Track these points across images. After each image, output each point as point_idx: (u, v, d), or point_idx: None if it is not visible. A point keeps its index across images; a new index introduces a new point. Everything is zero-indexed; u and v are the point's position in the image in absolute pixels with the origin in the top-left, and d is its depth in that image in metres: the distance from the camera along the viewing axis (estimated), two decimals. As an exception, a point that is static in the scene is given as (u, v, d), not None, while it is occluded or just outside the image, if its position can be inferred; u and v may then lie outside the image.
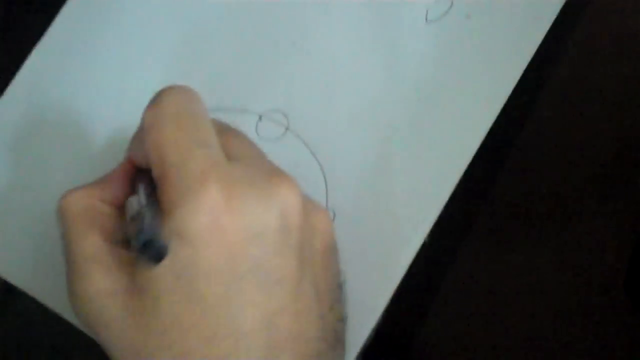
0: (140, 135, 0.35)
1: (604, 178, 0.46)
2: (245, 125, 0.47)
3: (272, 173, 0.34)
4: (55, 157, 0.48)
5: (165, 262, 0.29)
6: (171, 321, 0.30)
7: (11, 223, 0.47)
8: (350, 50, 0.47)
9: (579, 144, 0.47)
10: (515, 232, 0.47)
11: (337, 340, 0.35)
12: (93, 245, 0.34)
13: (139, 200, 0.34)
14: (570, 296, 0.45)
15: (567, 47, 0.49)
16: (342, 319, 0.36)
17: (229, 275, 0.30)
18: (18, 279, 0.46)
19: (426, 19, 0.46)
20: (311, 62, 0.47)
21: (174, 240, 0.30)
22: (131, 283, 0.32)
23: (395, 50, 0.46)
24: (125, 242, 0.35)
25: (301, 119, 0.47)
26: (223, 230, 0.30)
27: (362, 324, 0.43)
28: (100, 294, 0.33)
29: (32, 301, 0.45)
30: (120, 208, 0.37)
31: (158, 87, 0.46)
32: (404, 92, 0.46)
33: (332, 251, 0.37)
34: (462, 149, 0.45)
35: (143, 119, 0.35)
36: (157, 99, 0.34)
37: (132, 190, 0.36)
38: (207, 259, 0.30)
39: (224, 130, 0.36)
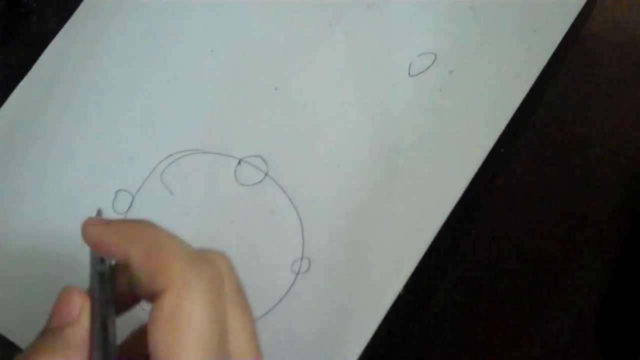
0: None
1: (573, 232, 0.46)
2: (225, 169, 0.46)
3: None
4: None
5: None
6: None
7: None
8: (333, 100, 0.47)
9: (551, 195, 0.47)
10: (485, 282, 0.46)
11: None
12: None
13: None
14: (542, 345, 0.44)
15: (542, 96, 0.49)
16: None
17: None
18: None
19: (409, 73, 0.47)
20: (293, 108, 0.47)
21: None
22: None
23: (377, 102, 0.47)
24: None
25: (280, 165, 0.46)
26: None
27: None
28: None
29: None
30: None
31: (140, 131, 0.47)
32: (384, 143, 0.46)
33: None
34: (440, 202, 0.44)
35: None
36: None
37: None
38: None
39: None
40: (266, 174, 0.46)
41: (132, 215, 0.47)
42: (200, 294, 0.31)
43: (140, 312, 0.34)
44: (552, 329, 0.44)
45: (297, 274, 0.44)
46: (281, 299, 0.44)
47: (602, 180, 0.48)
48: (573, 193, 0.47)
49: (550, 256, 0.46)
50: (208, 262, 0.32)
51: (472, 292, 0.46)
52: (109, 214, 0.47)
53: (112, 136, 0.49)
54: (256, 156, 0.47)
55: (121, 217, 0.47)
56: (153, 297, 0.31)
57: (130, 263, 0.31)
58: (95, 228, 0.33)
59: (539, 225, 0.46)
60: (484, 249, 0.46)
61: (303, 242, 0.45)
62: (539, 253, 0.46)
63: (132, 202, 0.47)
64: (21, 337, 0.46)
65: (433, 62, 0.47)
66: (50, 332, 0.33)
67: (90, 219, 0.34)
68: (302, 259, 0.44)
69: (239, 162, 0.47)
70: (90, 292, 0.33)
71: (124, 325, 0.34)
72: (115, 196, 0.47)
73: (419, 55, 0.47)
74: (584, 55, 0.48)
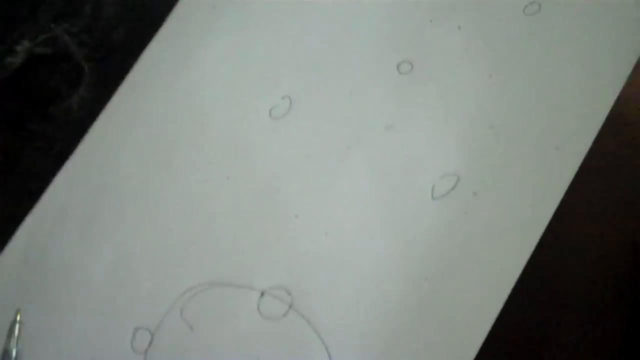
0: None
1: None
2: (247, 303, 0.45)
3: None
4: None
5: None
6: None
7: None
8: (355, 225, 0.46)
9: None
10: None
11: None
12: None
13: None
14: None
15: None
16: None
17: None
18: None
19: (432, 196, 0.46)
20: (315, 235, 0.46)
21: None
22: None
23: (401, 227, 0.46)
24: None
25: (305, 296, 0.45)
26: None
27: None
28: None
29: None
30: None
31: (157, 264, 0.46)
32: (410, 271, 0.44)
33: None
34: (471, 331, 0.43)
35: None
36: None
37: None
38: None
39: None
40: (290, 306, 0.45)
41: (153, 354, 0.45)
42: None
43: None
44: None
45: (326, 415, 0.42)
46: None
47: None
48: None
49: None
50: None
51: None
52: (128, 353, 0.45)
53: (127, 269, 0.48)
54: (279, 287, 0.45)
55: (141, 357, 0.45)
56: None
57: None
58: None
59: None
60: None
61: (333, 378, 0.43)
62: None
63: (151, 341, 0.45)
64: None
65: (456, 184, 0.46)
66: None
67: None
68: (331, 396, 0.43)
69: (262, 294, 0.45)
70: None
71: None
72: (134, 334, 0.46)
73: (441, 178, 0.46)
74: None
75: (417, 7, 0.51)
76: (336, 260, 0.46)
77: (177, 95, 0.52)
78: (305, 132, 0.49)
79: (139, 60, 0.54)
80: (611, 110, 0.45)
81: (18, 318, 0.38)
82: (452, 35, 0.49)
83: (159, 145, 0.51)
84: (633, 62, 0.46)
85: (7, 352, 0.37)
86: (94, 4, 0.57)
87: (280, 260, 0.46)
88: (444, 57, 0.49)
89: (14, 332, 0.37)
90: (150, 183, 0.50)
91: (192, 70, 0.53)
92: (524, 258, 0.44)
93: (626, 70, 0.46)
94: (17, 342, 0.37)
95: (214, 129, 0.51)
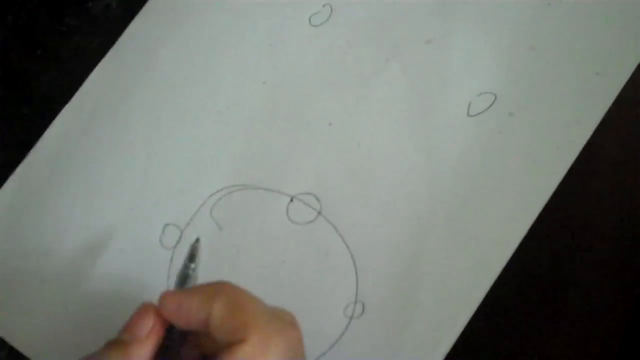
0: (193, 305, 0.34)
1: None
2: (276, 206, 0.45)
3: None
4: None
5: None
6: None
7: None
8: (389, 138, 0.46)
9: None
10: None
11: None
12: None
13: None
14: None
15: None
16: None
17: None
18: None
19: (468, 113, 0.46)
20: (347, 145, 0.46)
21: None
22: None
23: (435, 142, 0.45)
24: None
25: (334, 204, 0.45)
26: None
27: None
28: None
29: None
30: None
31: (189, 163, 0.46)
32: (442, 185, 0.45)
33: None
34: (499, 249, 0.43)
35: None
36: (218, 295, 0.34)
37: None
38: None
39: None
40: (319, 213, 0.45)
41: (180, 249, 0.46)
42: (277, 350, 0.33)
43: None
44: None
45: (351, 318, 0.43)
46: (334, 344, 0.43)
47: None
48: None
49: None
50: (287, 323, 0.35)
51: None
52: (157, 248, 0.46)
53: (160, 168, 0.48)
54: (309, 194, 0.46)
55: (169, 252, 0.46)
56: (227, 346, 0.32)
57: (211, 319, 0.33)
58: (174, 296, 0.35)
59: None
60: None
61: (357, 285, 0.44)
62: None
63: (180, 237, 0.46)
64: None
65: (493, 103, 0.46)
66: (116, 345, 0.35)
67: (166, 291, 0.36)
68: (355, 302, 0.43)
69: (291, 200, 0.46)
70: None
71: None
72: (163, 230, 0.46)
73: (478, 95, 0.46)
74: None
75: None
76: (367, 171, 0.46)
77: (216, -1, 0.52)
78: (344, 40, 0.49)
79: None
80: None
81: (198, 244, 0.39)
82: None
83: (196, 46, 0.51)
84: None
85: (186, 275, 0.38)
86: None
87: (311, 168, 0.46)
88: (489, -26, 0.48)
89: (196, 254, 0.39)
90: (185, 83, 0.50)
91: (232, -26, 0.52)
92: (556, 181, 0.44)
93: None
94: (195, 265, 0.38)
95: (253, 32, 0.50)
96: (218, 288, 0.34)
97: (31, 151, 0.50)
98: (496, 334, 0.45)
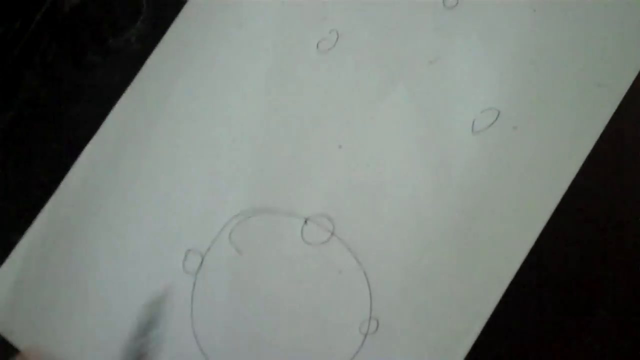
0: None
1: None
2: (291, 228, 0.47)
3: None
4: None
5: None
6: None
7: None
8: (397, 157, 0.48)
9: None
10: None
11: None
12: None
13: None
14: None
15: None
16: None
17: None
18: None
19: (472, 130, 0.47)
20: (357, 166, 0.48)
21: None
22: None
23: (441, 160, 0.47)
24: None
25: (346, 224, 0.47)
26: None
27: None
28: None
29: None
30: None
31: (207, 190, 0.48)
32: (449, 201, 0.46)
33: None
34: (508, 261, 0.44)
35: None
36: None
37: None
38: None
39: None
40: (332, 233, 0.47)
41: (202, 275, 0.48)
42: None
43: None
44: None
45: (366, 335, 0.45)
46: (350, 360, 0.45)
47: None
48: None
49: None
50: None
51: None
52: (179, 274, 0.48)
53: (181, 195, 0.50)
54: (322, 215, 0.47)
55: (191, 277, 0.48)
56: None
57: None
58: None
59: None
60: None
61: (371, 302, 0.45)
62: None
63: (202, 263, 0.48)
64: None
65: (496, 119, 0.47)
66: None
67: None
68: (370, 319, 0.45)
69: (305, 222, 0.47)
70: None
71: None
72: (186, 256, 0.48)
73: (481, 112, 0.47)
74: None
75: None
76: (377, 191, 0.47)
77: (229, 28, 0.53)
78: (351, 65, 0.50)
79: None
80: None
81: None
82: (499, -30, 0.50)
83: (209, 77, 0.53)
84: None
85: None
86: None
87: (323, 189, 0.48)
88: (489, -9, 0.49)
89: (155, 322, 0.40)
90: (201, 113, 0.52)
91: (243, 4, 0.54)
92: (561, 192, 0.45)
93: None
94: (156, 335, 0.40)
95: (263, 61, 0.52)
96: None
97: (61, 184, 0.52)
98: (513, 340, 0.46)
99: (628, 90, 0.46)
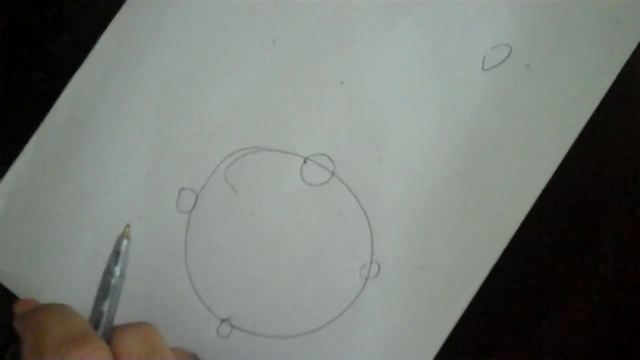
0: None
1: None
2: (290, 168, 0.45)
3: None
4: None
5: None
6: None
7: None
8: (402, 95, 0.45)
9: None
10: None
11: None
12: None
13: None
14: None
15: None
16: None
17: None
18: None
19: (483, 67, 0.44)
20: (360, 104, 0.46)
21: None
22: None
23: (448, 97, 0.45)
24: None
25: (347, 164, 0.45)
26: None
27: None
28: None
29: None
30: None
31: (201, 127, 0.46)
32: (457, 142, 0.44)
33: None
34: (514, 208, 0.43)
35: None
36: None
37: None
38: None
39: None
40: (333, 174, 0.45)
41: (197, 215, 0.46)
42: None
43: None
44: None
45: (366, 278, 0.43)
46: (350, 305, 0.43)
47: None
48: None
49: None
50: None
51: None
52: (173, 213, 0.46)
53: (173, 132, 0.48)
54: (322, 154, 0.45)
55: (185, 216, 0.46)
56: None
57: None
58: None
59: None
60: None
61: (372, 245, 0.44)
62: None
63: (196, 201, 0.46)
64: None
65: (508, 55, 0.44)
66: None
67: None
68: (371, 263, 0.43)
69: (305, 161, 0.45)
70: None
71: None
72: (179, 195, 0.46)
73: (493, 48, 0.45)
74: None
75: None
76: (380, 130, 0.45)
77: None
78: (355, -5, 0.48)
79: None
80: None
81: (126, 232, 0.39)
82: None
83: (204, 5, 0.50)
84: None
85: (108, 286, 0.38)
86: None
87: (324, 128, 0.46)
88: None
89: (121, 249, 0.39)
90: (194, 43, 0.49)
91: None
92: (574, 134, 0.43)
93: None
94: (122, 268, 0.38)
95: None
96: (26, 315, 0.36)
97: (47, 116, 0.50)
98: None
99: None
